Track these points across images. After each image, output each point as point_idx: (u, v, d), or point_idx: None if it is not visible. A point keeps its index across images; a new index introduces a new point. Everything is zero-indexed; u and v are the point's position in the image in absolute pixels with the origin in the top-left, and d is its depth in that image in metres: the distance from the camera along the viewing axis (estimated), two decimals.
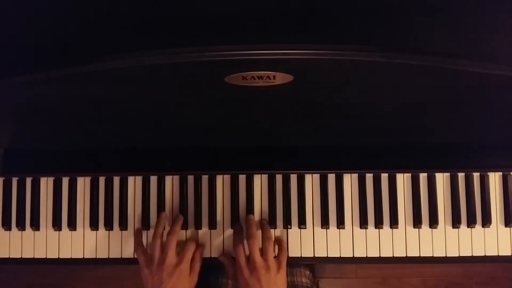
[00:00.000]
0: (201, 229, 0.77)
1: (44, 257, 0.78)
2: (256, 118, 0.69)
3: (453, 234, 0.76)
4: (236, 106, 0.66)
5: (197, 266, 0.72)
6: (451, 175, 0.77)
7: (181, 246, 0.73)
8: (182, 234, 0.76)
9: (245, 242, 0.72)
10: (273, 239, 0.73)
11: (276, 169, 0.77)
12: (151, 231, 0.76)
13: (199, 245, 0.75)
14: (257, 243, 0.71)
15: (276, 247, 0.74)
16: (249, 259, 0.69)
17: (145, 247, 0.75)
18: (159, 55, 0.53)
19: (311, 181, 0.77)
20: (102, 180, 0.78)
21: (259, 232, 0.74)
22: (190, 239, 0.74)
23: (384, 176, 0.77)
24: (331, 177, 0.77)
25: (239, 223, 0.76)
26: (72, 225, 0.78)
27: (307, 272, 0.85)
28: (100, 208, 0.78)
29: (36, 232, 0.78)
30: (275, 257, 0.72)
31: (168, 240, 0.70)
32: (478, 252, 0.76)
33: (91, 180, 0.79)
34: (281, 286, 0.69)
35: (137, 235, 0.75)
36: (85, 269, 1.40)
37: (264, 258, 0.69)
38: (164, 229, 0.74)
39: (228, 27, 0.55)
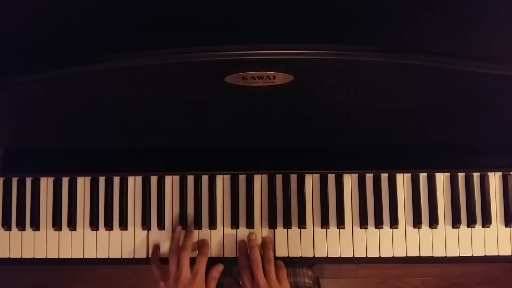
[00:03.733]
0: (201, 229, 0.77)
1: (44, 257, 0.78)
2: (256, 118, 0.69)
3: (453, 234, 0.76)
4: (236, 106, 0.66)
5: (213, 284, 0.74)
6: (451, 175, 0.77)
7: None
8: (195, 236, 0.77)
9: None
10: (273, 260, 0.74)
11: (276, 169, 0.77)
12: (152, 231, 0.77)
13: (217, 265, 0.75)
14: (260, 266, 0.72)
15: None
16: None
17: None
18: (159, 55, 0.53)
19: (311, 181, 0.77)
20: (102, 180, 0.78)
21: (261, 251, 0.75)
22: (200, 253, 0.74)
23: (384, 176, 0.77)
24: (331, 177, 0.77)
25: (245, 244, 0.76)
26: (72, 225, 0.78)
27: (310, 273, 0.85)
28: (100, 208, 0.78)
29: (36, 232, 0.78)
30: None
31: (181, 257, 0.72)
32: (478, 252, 0.76)
33: (91, 180, 0.79)
34: None
35: (154, 251, 0.77)
36: (85, 269, 1.40)
37: (267, 280, 0.71)
38: (179, 241, 0.75)
39: (229, 27, 0.55)
